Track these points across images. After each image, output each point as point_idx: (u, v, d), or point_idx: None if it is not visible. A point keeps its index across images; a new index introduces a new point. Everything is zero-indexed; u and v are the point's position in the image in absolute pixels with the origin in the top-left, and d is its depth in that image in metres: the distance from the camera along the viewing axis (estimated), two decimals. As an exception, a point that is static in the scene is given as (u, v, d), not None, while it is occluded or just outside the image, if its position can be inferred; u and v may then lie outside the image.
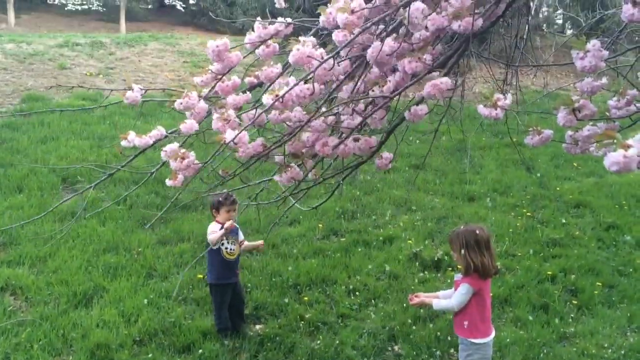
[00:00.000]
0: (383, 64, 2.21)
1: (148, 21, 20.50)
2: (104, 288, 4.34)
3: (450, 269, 4.87)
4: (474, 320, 2.96)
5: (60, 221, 5.27)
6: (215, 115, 2.22)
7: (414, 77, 2.22)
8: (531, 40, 3.08)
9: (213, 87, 2.38)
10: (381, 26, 2.27)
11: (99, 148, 7.06)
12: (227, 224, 3.65)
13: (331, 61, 2.13)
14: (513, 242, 5.51)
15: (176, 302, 4.24)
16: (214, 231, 3.74)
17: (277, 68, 2.32)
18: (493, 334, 3.05)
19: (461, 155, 7.94)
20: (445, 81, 2.10)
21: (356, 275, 4.76)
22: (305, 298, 4.36)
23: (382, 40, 2.10)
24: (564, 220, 6.09)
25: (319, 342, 3.85)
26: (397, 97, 2.36)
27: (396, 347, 3.87)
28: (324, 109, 2.35)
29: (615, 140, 1.60)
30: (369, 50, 2.11)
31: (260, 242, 4.14)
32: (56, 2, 19.43)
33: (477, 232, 2.95)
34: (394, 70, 2.31)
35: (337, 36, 2.10)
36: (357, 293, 4.51)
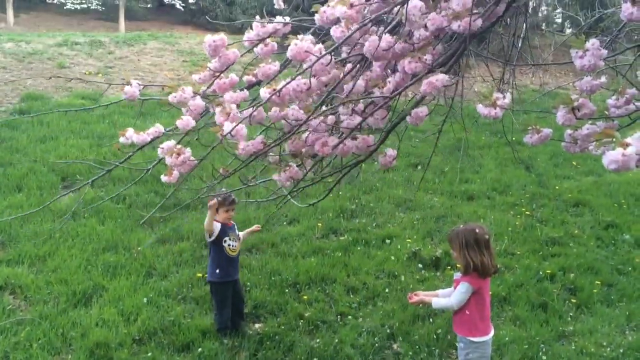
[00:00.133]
0: (380, 59, 2.20)
1: (147, 20, 20.51)
2: (103, 287, 4.35)
3: (449, 267, 4.88)
4: (473, 318, 2.96)
5: (59, 220, 5.27)
6: (217, 109, 2.21)
7: (414, 77, 2.22)
8: (529, 39, 3.08)
9: (211, 84, 2.38)
10: (381, 28, 2.26)
11: (99, 147, 7.05)
12: (211, 202, 3.71)
13: (329, 57, 2.12)
14: (512, 241, 5.52)
15: (175, 300, 4.24)
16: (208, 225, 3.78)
17: (275, 65, 2.32)
18: (492, 332, 3.05)
19: (460, 154, 7.94)
20: (440, 78, 2.09)
21: (355, 274, 4.77)
22: (305, 297, 4.37)
23: (380, 37, 2.10)
24: (563, 219, 6.11)
25: (318, 340, 3.86)
26: (397, 97, 2.36)
27: (395, 346, 3.87)
28: (324, 108, 2.35)
29: (614, 139, 1.60)
30: (366, 44, 2.11)
31: (256, 225, 4.30)
32: (55, 1, 19.37)
33: (477, 231, 2.96)
34: (394, 70, 2.31)
35: (335, 32, 2.10)
36: (356, 292, 4.51)
